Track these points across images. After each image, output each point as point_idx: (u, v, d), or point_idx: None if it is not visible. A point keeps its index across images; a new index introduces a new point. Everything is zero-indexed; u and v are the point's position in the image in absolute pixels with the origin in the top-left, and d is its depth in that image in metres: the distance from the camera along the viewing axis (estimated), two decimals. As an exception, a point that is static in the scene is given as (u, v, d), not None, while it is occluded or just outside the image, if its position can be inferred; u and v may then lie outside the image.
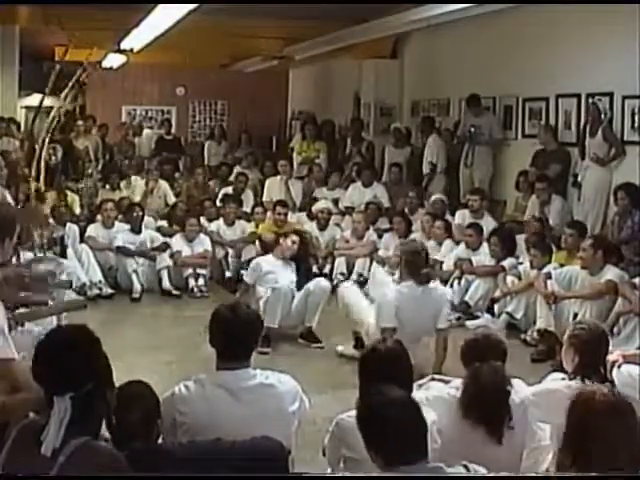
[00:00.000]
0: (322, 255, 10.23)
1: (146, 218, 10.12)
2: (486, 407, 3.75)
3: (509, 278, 8.15)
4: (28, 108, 17.41)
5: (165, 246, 9.68)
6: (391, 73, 13.65)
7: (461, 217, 9.83)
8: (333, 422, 3.66)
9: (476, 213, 9.64)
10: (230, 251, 9.99)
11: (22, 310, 4.35)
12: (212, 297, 9.01)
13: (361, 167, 12.05)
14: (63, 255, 8.29)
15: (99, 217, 10.10)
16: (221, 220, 10.30)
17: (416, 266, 6.45)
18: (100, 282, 9.14)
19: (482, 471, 2.99)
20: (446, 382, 4.27)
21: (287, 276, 7.80)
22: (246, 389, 3.44)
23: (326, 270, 10.13)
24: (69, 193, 10.75)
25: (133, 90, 17.95)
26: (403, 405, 2.89)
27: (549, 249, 8.07)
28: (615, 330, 6.73)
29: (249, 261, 8.68)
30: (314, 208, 10.80)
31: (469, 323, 8.08)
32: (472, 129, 10.82)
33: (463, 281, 8.62)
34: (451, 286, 8.62)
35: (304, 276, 7.86)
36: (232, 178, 12.30)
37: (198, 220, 9.99)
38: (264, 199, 11.67)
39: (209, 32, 12.46)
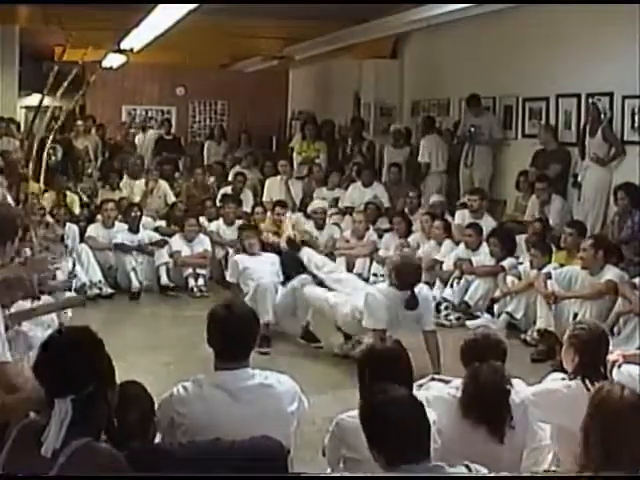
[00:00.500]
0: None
1: (145, 218, 10.14)
2: (486, 406, 3.74)
3: (509, 278, 8.15)
4: (28, 108, 17.41)
5: (163, 242, 9.70)
6: (391, 73, 13.64)
7: (461, 217, 9.83)
8: (333, 422, 3.66)
9: (476, 213, 9.63)
10: (230, 251, 9.98)
11: (28, 305, 4.33)
12: (212, 297, 9.00)
13: (361, 167, 12.05)
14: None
15: (99, 217, 10.11)
16: (221, 220, 10.31)
17: (404, 280, 6.48)
18: (100, 282, 9.16)
19: (484, 471, 2.99)
20: (446, 382, 4.27)
21: (267, 271, 7.92)
22: (245, 389, 3.43)
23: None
24: (69, 193, 10.75)
25: (133, 90, 17.96)
26: (406, 404, 2.89)
27: (549, 249, 8.07)
28: (615, 330, 6.73)
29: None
30: (309, 208, 10.80)
31: (469, 323, 8.08)
32: (472, 129, 10.82)
33: (463, 281, 8.62)
34: (451, 286, 8.64)
35: (293, 271, 7.90)
36: (231, 178, 12.31)
37: (197, 220, 10.01)
38: (264, 199, 11.67)
39: (209, 32, 12.46)
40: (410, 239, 9.76)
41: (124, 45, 12.04)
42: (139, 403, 3.17)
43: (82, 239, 9.55)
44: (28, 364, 2.73)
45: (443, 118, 12.40)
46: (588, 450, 2.96)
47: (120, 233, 9.69)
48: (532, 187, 9.55)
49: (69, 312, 6.11)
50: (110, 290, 9.22)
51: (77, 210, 10.65)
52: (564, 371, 4.26)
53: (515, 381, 4.05)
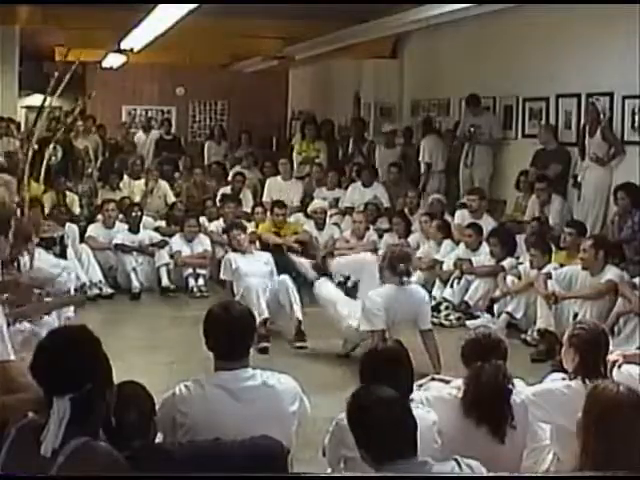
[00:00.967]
0: (322, 255, 10.24)
1: (145, 218, 10.14)
2: (489, 406, 3.75)
3: (509, 278, 8.15)
4: (28, 108, 17.40)
5: (164, 243, 9.70)
6: (391, 73, 13.65)
7: (460, 217, 9.83)
8: (333, 422, 3.66)
9: (475, 213, 9.63)
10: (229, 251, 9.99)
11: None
12: (212, 297, 8.99)
13: (361, 167, 12.05)
14: (63, 255, 8.29)
15: (99, 217, 10.12)
16: (221, 220, 10.31)
17: (396, 268, 6.52)
18: (100, 282, 9.16)
19: (475, 464, 2.99)
20: (446, 382, 4.28)
21: (259, 270, 7.96)
22: (246, 389, 3.43)
23: (326, 270, 10.15)
24: (69, 193, 10.75)
25: (133, 90, 17.96)
26: (390, 404, 2.91)
27: (549, 249, 8.07)
28: (615, 330, 6.73)
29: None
30: (309, 208, 10.80)
31: (469, 323, 8.08)
32: (472, 129, 10.82)
33: (463, 281, 8.62)
34: (451, 286, 8.64)
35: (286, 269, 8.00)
36: (230, 178, 12.31)
37: (197, 220, 10.01)
38: (264, 199, 11.66)
39: (209, 32, 12.44)
40: (410, 239, 9.76)
41: (124, 45, 12.02)
42: (140, 403, 3.17)
43: (82, 239, 9.55)
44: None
45: (443, 118, 12.40)
46: (584, 448, 2.97)
47: (120, 233, 9.70)
48: (532, 187, 9.55)
49: (71, 312, 6.13)
50: (110, 290, 9.22)
51: (77, 210, 10.66)
52: (564, 371, 4.26)
53: (515, 381, 4.05)
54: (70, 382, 2.56)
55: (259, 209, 10.85)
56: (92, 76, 16.73)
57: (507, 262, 8.39)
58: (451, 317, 8.32)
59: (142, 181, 11.60)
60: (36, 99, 17.14)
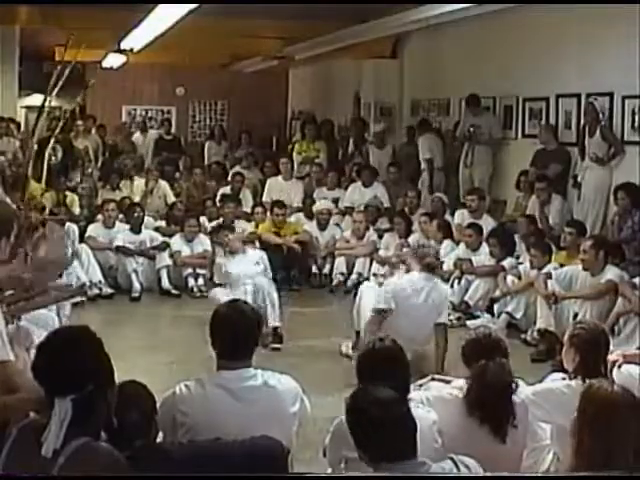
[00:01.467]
0: (322, 255, 10.25)
1: (146, 218, 10.13)
2: (492, 404, 3.75)
3: (509, 278, 8.15)
4: (28, 108, 17.40)
5: (165, 245, 9.70)
6: (391, 73, 13.64)
7: (460, 217, 9.83)
8: (333, 423, 3.66)
9: (475, 213, 9.64)
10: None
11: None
12: (212, 297, 9.00)
13: (361, 167, 12.06)
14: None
15: (99, 217, 10.11)
16: (221, 220, 10.30)
17: (422, 259, 6.68)
18: (100, 282, 9.16)
19: (471, 463, 2.99)
20: (447, 382, 4.28)
21: (249, 269, 8.07)
22: (247, 389, 3.44)
23: (326, 270, 10.16)
24: (69, 193, 10.75)
25: (133, 90, 17.95)
26: (388, 405, 2.91)
27: (549, 249, 8.07)
28: (615, 330, 6.73)
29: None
30: (314, 208, 10.81)
31: (469, 323, 8.08)
32: (471, 128, 10.82)
33: (463, 281, 8.63)
34: (451, 286, 8.62)
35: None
36: (229, 178, 12.32)
37: (197, 220, 10.01)
38: (264, 199, 11.66)
39: (209, 32, 12.43)
40: (410, 239, 9.76)
41: (124, 45, 12.02)
42: (141, 402, 3.17)
43: (82, 239, 9.55)
44: (29, 363, 2.72)
45: (443, 118, 12.40)
46: (579, 447, 2.97)
47: (121, 233, 9.69)
48: (532, 187, 9.55)
49: (67, 310, 6.12)
50: (110, 290, 9.22)
51: (77, 210, 10.66)
52: (564, 371, 4.27)
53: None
54: (72, 383, 2.56)
55: (259, 209, 10.86)
56: (92, 76, 16.67)
57: (507, 262, 8.39)
58: (451, 317, 8.29)
59: (142, 181, 11.60)
60: (36, 99, 17.13)
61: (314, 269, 10.21)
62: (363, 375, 3.66)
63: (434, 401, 3.86)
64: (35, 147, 6.76)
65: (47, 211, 9.47)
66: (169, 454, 3.03)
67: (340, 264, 10.05)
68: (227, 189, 11.66)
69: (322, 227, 10.51)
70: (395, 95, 13.65)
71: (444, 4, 9.12)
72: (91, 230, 9.75)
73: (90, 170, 12.65)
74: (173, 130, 16.45)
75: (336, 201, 11.38)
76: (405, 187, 11.27)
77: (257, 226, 10.47)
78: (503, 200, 10.73)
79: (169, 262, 9.57)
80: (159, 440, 3.30)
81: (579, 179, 9.17)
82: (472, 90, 10.95)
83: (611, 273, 7.09)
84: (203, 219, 10.35)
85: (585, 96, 9.32)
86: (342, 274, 9.98)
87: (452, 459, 2.96)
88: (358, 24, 11.39)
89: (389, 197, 11.22)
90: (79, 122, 13.77)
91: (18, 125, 13.12)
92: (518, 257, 8.55)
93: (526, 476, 3.88)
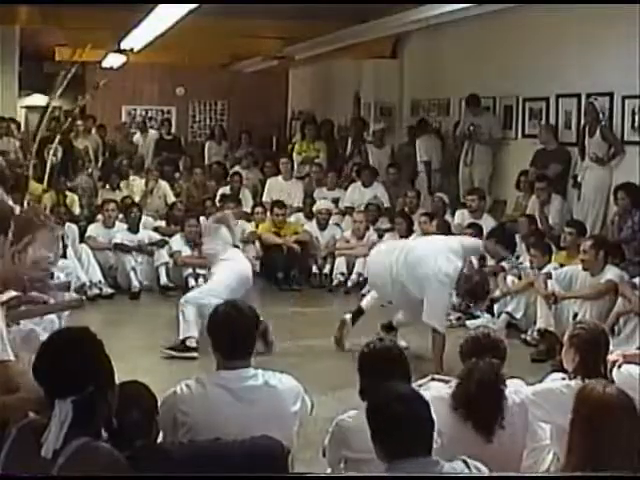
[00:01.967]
0: (322, 255, 10.26)
1: (145, 218, 10.16)
2: (477, 402, 3.73)
3: (509, 278, 8.15)
4: (28, 108, 17.42)
5: (163, 242, 9.71)
6: (391, 73, 13.64)
7: (460, 217, 9.84)
8: (333, 423, 3.66)
9: (475, 213, 9.64)
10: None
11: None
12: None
13: (361, 167, 12.06)
14: (63, 255, 8.30)
15: (99, 217, 10.12)
16: (221, 220, 10.31)
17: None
18: (100, 282, 9.17)
19: (483, 469, 2.99)
20: (446, 382, 4.27)
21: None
22: (247, 389, 3.44)
23: (326, 270, 10.16)
24: (69, 193, 10.75)
25: (133, 90, 17.94)
26: (411, 400, 2.91)
27: (549, 249, 8.07)
28: (615, 330, 6.73)
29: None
30: (314, 208, 10.81)
31: (469, 323, 8.08)
32: (471, 127, 10.83)
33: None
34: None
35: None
36: (229, 178, 12.32)
37: (197, 220, 10.00)
38: (264, 199, 11.67)
39: (209, 32, 12.43)
40: (410, 239, 9.75)
41: (124, 45, 12.01)
42: (142, 402, 3.17)
43: (82, 239, 9.56)
44: (30, 364, 2.71)
45: (443, 118, 12.40)
46: (572, 447, 2.97)
47: (120, 233, 9.71)
48: (532, 187, 9.55)
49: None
50: (110, 290, 9.23)
51: (77, 210, 10.66)
52: (564, 371, 4.27)
53: (515, 381, 4.06)
54: (72, 384, 2.56)
55: (259, 209, 10.87)
56: (92, 76, 16.68)
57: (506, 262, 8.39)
58: (451, 317, 8.30)
59: (142, 181, 11.60)
60: (36, 99, 17.19)
61: (314, 269, 10.22)
62: (363, 375, 3.66)
63: (433, 401, 3.84)
64: (36, 147, 6.77)
65: (47, 211, 9.50)
66: (169, 454, 3.02)
67: (340, 264, 10.06)
68: (227, 189, 11.66)
69: (322, 227, 10.51)
70: (395, 95, 13.65)
71: (444, 4, 9.12)
72: (91, 230, 9.77)
73: (90, 170, 12.65)
74: (173, 130, 16.44)
75: (336, 201, 11.38)
76: (405, 187, 11.28)
77: (257, 226, 10.48)
78: (503, 200, 10.74)
79: (168, 259, 9.58)
80: (159, 440, 3.30)
81: (579, 179, 9.17)
82: (472, 90, 10.95)
83: (611, 273, 7.09)
84: (203, 219, 10.34)
85: (585, 96, 9.32)
86: (342, 274, 9.98)
87: (464, 461, 2.95)
88: (358, 24, 11.39)
89: (389, 197, 11.22)
90: (79, 122, 13.77)
91: (18, 125, 13.12)
92: (518, 257, 8.54)
93: (526, 476, 3.87)
